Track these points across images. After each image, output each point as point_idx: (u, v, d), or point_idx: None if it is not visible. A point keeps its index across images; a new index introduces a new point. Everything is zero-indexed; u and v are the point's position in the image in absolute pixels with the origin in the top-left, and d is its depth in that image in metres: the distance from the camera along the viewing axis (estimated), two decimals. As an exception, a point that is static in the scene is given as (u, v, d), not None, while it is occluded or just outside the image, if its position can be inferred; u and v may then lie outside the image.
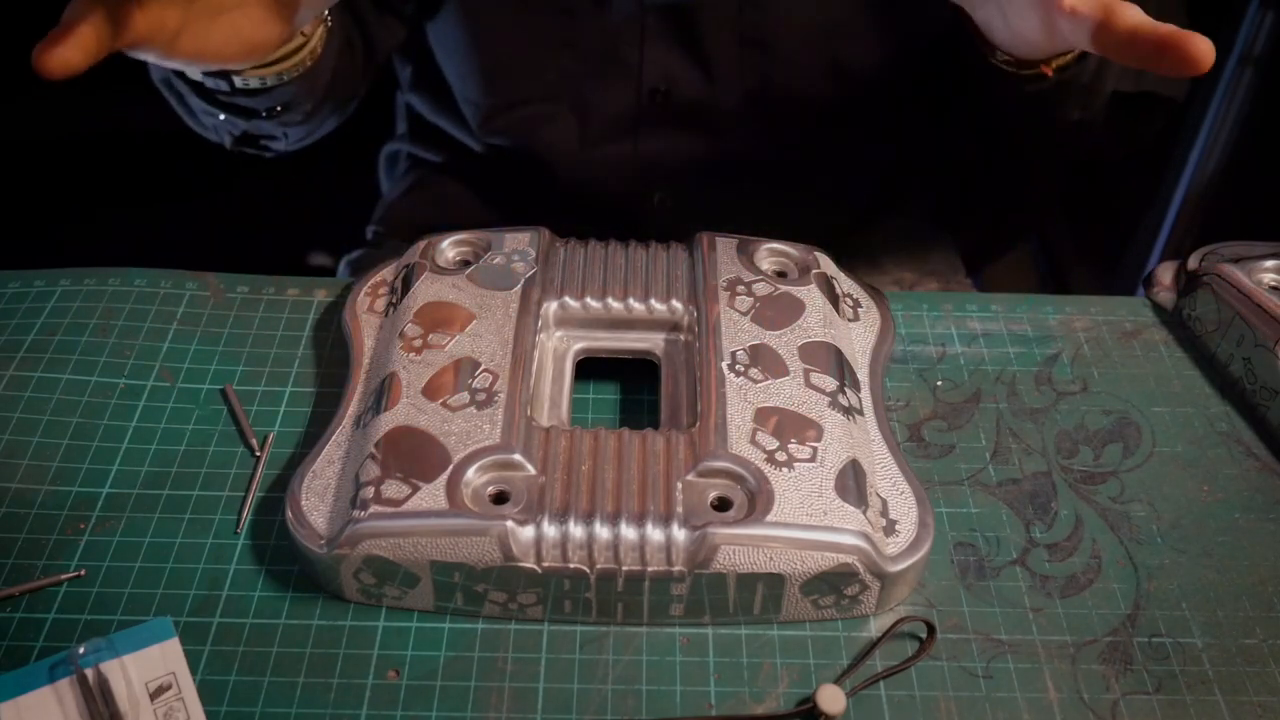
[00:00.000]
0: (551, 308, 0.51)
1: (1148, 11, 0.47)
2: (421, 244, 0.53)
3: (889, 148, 0.78)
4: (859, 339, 0.51)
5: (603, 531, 0.40)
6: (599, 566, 0.40)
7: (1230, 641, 0.42)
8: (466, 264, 0.52)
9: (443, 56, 0.75)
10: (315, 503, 0.43)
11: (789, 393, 0.45)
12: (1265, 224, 0.61)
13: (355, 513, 0.41)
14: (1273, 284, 0.53)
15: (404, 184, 0.84)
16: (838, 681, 0.40)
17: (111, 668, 0.40)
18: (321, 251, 1.07)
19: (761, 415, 0.44)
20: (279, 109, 0.61)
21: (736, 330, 0.48)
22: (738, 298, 0.50)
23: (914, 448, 0.50)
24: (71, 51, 0.39)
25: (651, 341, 0.51)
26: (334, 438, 0.46)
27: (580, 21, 0.69)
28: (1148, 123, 0.69)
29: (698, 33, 0.68)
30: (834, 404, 0.45)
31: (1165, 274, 0.58)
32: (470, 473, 0.42)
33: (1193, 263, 0.56)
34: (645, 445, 0.44)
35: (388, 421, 0.44)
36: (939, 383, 0.53)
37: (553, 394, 0.49)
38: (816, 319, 0.49)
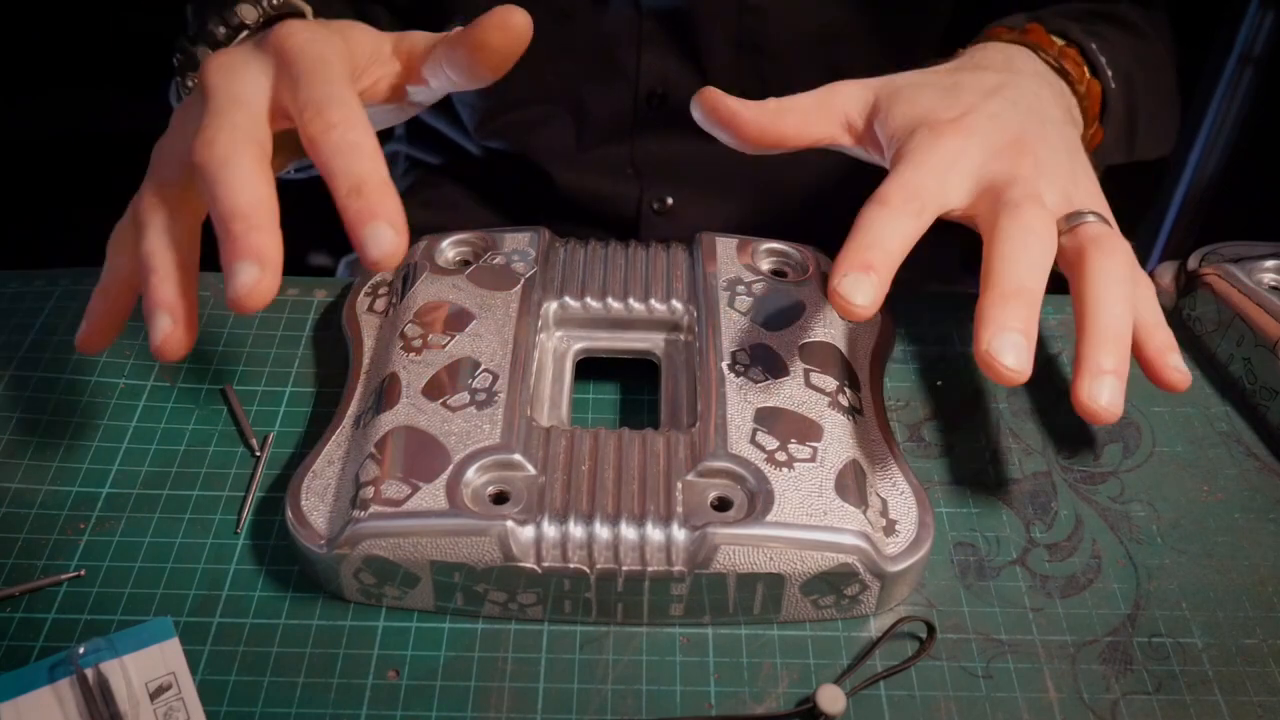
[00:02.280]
0: (551, 308, 0.51)
1: None
2: (421, 244, 0.53)
3: None
4: (859, 339, 0.51)
5: (603, 531, 0.40)
6: (599, 566, 0.40)
7: (1230, 641, 0.42)
8: (466, 264, 0.52)
9: None
10: (315, 503, 0.43)
11: (789, 393, 0.45)
12: (1265, 224, 0.61)
13: (355, 513, 0.41)
14: (1273, 284, 0.53)
15: (402, 185, 0.84)
16: (838, 681, 0.40)
17: (111, 668, 0.40)
18: (321, 251, 1.07)
19: (761, 415, 0.44)
20: None
21: (736, 330, 0.48)
22: (738, 298, 0.50)
23: (914, 448, 0.50)
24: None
25: (651, 341, 0.51)
26: (334, 438, 0.46)
27: (576, 25, 0.69)
28: (1142, 176, 0.68)
29: (695, 37, 0.68)
30: (834, 404, 0.45)
31: (1165, 274, 0.58)
32: (470, 473, 0.42)
33: (1193, 263, 0.56)
34: (645, 445, 0.44)
35: (388, 421, 0.44)
36: (939, 383, 0.53)
37: (553, 394, 0.49)
38: (816, 319, 0.49)
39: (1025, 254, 0.41)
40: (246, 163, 0.38)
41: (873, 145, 0.47)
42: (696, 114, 0.45)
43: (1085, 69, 0.53)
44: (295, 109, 0.39)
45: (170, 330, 0.38)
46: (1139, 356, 0.44)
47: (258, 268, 0.36)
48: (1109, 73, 0.54)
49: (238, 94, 0.40)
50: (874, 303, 0.39)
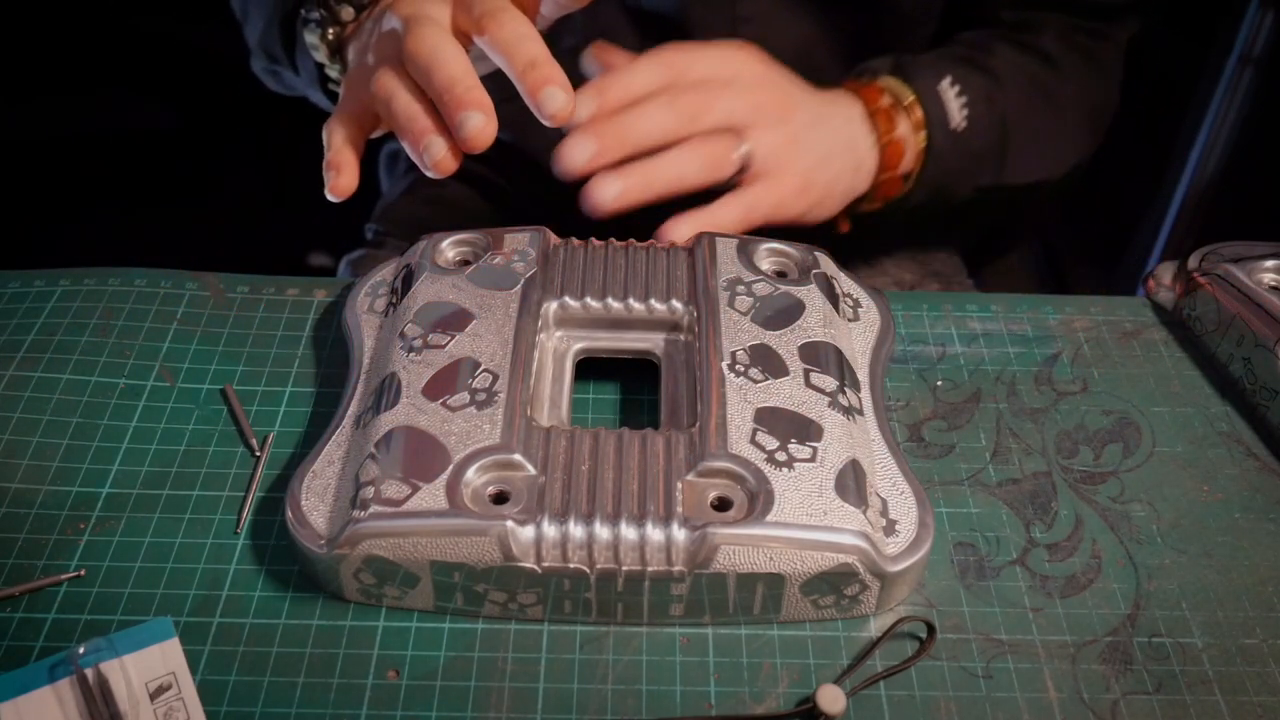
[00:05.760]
0: (551, 308, 0.51)
1: None
2: (421, 244, 0.53)
3: None
4: (859, 339, 0.51)
5: (603, 531, 0.40)
6: (599, 566, 0.40)
7: (1230, 641, 0.42)
8: (466, 264, 0.52)
9: None
10: (315, 503, 0.43)
11: (789, 393, 0.45)
12: (1265, 224, 0.61)
13: (355, 513, 0.41)
14: (1273, 284, 0.53)
15: (404, 183, 0.84)
16: (838, 681, 0.40)
17: (111, 668, 0.40)
18: (321, 251, 1.07)
19: (761, 415, 0.44)
20: None
21: (736, 330, 0.48)
22: (738, 298, 0.50)
23: (914, 448, 0.50)
24: (348, 179, 0.51)
25: (651, 341, 0.51)
26: (334, 438, 0.46)
27: (575, 23, 0.69)
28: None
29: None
30: (834, 404, 0.45)
31: (1165, 274, 0.58)
32: (470, 473, 0.42)
33: (1193, 263, 0.56)
34: (645, 445, 0.44)
35: (388, 421, 0.44)
36: (939, 383, 0.53)
37: (553, 394, 0.49)
38: (816, 319, 0.49)
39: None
40: (452, 47, 0.49)
41: None
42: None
43: (894, 126, 0.63)
44: (473, 20, 0.50)
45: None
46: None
47: (482, 115, 0.47)
48: (951, 118, 0.65)
49: (429, 14, 0.51)
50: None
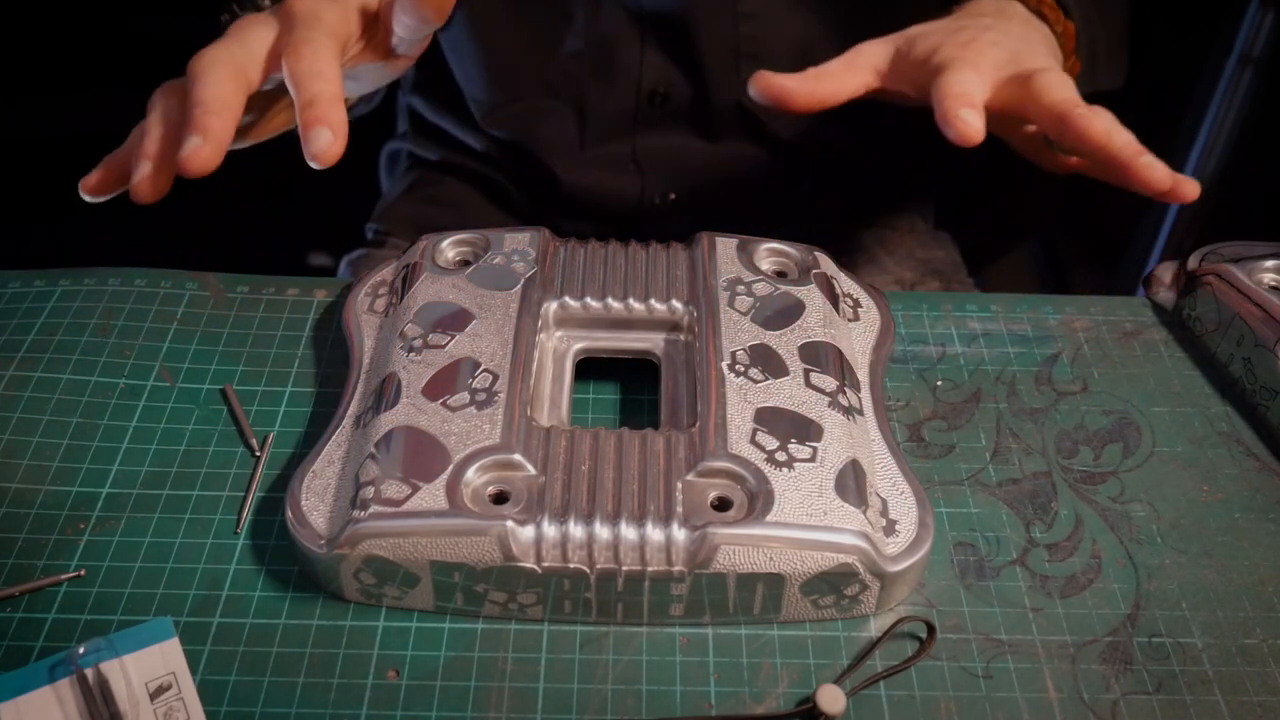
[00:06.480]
0: (551, 308, 0.51)
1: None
2: (421, 244, 0.53)
3: (888, 149, 0.78)
4: (859, 339, 0.51)
5: (603, 531, 0.40)
6: (599, 566, 0.40)
7: (1230, 641, 0.42)
8: (466, 264, 0.52)
9: (450, 56, 0.75)
10: (315, 503, 0.43)
11: (789, 393, 0.45)
12: (1265, 224, 0.61)
13: (355, 513, 0.41)
14: (1273, 284, 0.53)
15: (404, 183, 0.84)
16: (838, 681, 0.40)
17: (111, 668, 0.40)
18: (321, 251, 1.07)
19: (761, 415, 0.44)
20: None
21: (736, 330, 0.48)
22: (738, 298, 0.50)
23: (914, 448, 0.50)
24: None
25: (651, 341, 0.51)
26: (334, 438, 0.46)
27: (578, 25, 0.69)
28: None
29: (694, 42, 0.69)
30: (834, 404, 0.45)
31: (1165, 274, 0.58)
32: (470, 473, 0.42)
33: (1193, 263, 0.56)
34: (645, 445, 0.44)
35: (388, 421, 0.44)
36: (939, 383, 0.53)
37: (553, 394, 0.49)
38: (816, 319, 0.49)
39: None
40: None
41: (899, 82, 0.56)
42: (753, 93, 0.54)
43: (1060, 13, 0.61)
44: (284, 46, 0.48)
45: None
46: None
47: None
48: (1078, 14, 0.63)
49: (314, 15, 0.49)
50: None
